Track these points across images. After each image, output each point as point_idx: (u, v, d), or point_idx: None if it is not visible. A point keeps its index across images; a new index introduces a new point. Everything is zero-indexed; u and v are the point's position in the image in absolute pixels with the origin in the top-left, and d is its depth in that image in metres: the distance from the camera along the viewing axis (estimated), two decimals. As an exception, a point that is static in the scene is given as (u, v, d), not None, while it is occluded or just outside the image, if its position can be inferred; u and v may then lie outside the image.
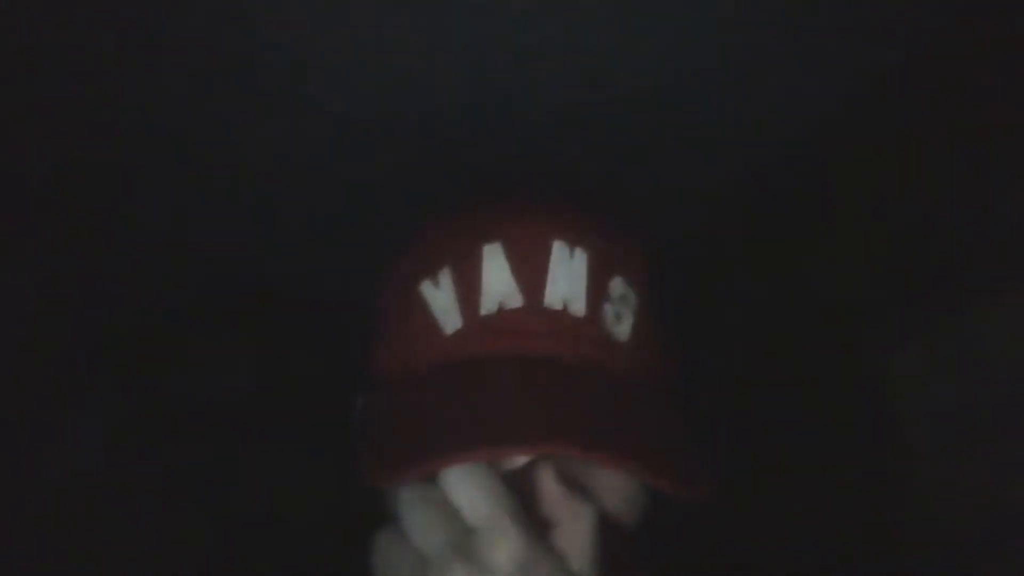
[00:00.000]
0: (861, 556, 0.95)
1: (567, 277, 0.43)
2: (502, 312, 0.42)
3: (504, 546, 0.34)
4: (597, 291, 0.43)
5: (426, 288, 0.44)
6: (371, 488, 0.42)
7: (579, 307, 0.43)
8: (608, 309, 0.43)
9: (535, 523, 0.36)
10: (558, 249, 0.43)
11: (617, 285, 0.44)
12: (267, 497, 0.77)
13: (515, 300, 0.42)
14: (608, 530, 0.38)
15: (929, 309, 0.94)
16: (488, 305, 0.42)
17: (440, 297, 0.44)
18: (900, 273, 0.98)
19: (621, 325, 0.44)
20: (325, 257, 0.88)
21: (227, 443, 0.80)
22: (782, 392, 1.04)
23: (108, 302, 0.79)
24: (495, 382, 0.40)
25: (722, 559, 0.68)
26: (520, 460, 0.39)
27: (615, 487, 0.41)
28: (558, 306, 0.42)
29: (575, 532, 0.37)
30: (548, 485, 0.38)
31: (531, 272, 0.43)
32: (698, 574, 0.52)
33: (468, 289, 0.43)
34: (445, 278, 0.44)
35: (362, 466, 0.41)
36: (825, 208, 1.09)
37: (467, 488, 0.35)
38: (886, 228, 1.00)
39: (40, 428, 0.69)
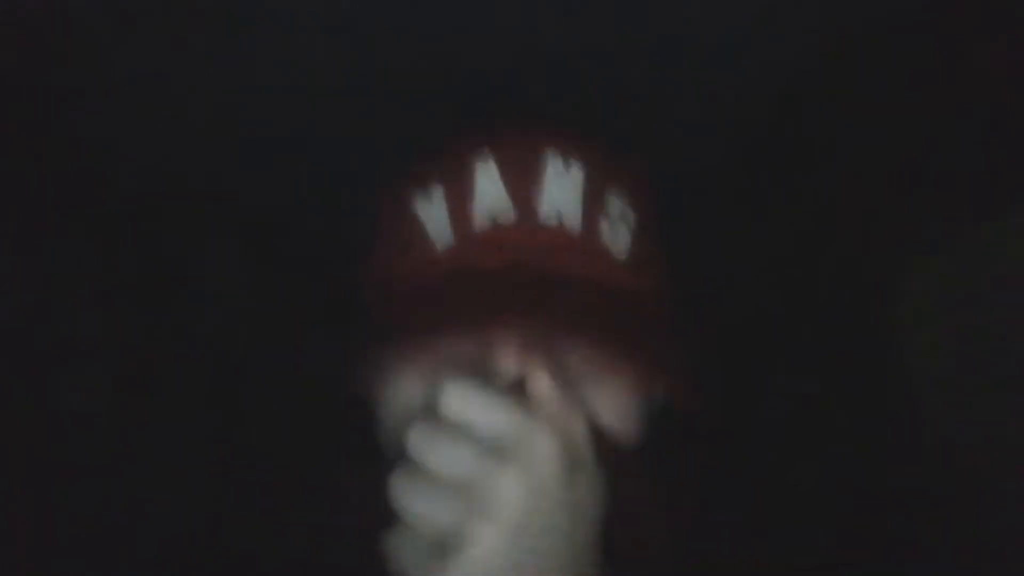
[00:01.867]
0: (859, 481, 0.96)
1: (562, 190, 0.42)
2: (495, 226, 0.41)
3: (510, 490, 0.33)
4: (594, 205, 0.42)
5: (419, 203, 0.43)
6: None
7: (574, 221, 0.41)
8: (605, 225, 0.42)
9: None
10: (552, 161, 0.42)
11: (615, 200, 0.43)
12: (272, 419, 0.78)
13: (508, 214, 0.41)
14: (604, 443, 0.38)
15: (934, 233, 0.93)
16: (481, 220, 0.41)
17: (433, 212, 0.43)
18: (905, 197, 0.96)
19: (618, 242, 0.43)
20: (320, 177, 0.88)
21: (229, 366, 0.81)
22: (785, 316, 1.03)
23: (106, 230, 0.79)
24: (486, 294, 0.39)
25: (720, 477, 0.69)
26: (514, 372, 0.39)
27: (609, 398, 0.41)
28: (553, 220, 0.41)
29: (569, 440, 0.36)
30: (541, 392, 0.37)
31: (524, 185, 0.42)
32: (697, 489, 0.53)
33: (461, 204, 0.42)
34: (438, 192, 0.43)
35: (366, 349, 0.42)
36: (828, 133, 1.07)
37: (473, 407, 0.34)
38: (890, 153, 0.98)
39: (46, 361, 0.69)
